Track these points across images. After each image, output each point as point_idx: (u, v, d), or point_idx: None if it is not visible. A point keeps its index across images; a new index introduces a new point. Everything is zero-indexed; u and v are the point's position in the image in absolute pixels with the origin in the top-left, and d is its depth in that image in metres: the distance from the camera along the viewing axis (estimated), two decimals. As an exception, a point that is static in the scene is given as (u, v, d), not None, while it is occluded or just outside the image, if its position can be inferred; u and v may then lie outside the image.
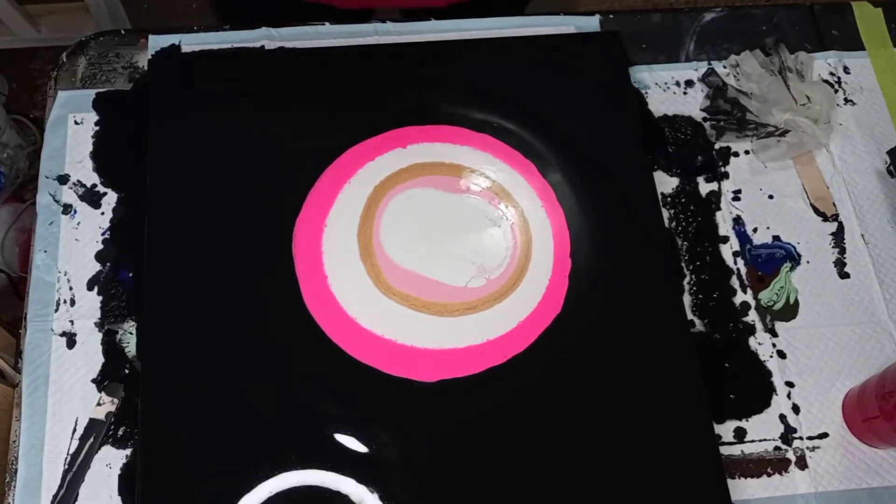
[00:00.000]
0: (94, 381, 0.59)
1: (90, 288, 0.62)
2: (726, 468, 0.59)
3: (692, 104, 0.72)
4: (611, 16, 0.75)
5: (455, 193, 0.65)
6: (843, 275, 0.67)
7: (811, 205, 0.70)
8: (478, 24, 0.73)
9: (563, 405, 0.59)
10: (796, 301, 0.66)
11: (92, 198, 0.65)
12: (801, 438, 0.61)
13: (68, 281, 0.62)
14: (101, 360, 0.60)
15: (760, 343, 0.64)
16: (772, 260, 0.67)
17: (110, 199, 0.65)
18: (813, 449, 0.61)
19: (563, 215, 0.65)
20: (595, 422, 0.59)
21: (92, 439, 0.57)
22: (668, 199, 0.69)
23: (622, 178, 0.67)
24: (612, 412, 0.59)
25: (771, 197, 0.70)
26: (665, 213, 0.68)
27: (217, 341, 0.59)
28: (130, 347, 0.60)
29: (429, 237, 0.64)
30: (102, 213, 0.65)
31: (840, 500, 0.60)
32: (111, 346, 0.60)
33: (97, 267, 0.63)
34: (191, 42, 0.70)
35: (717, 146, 0.71)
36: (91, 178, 0.66)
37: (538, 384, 0.60)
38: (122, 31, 0.72)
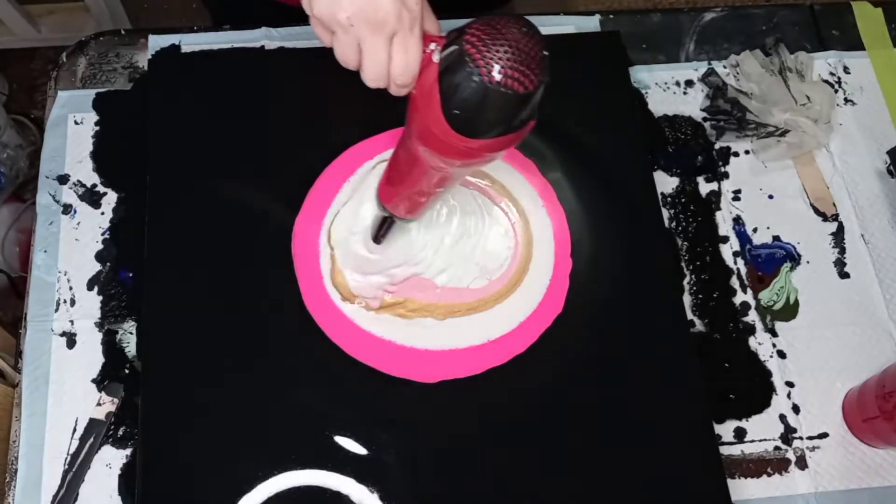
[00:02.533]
0: (94, 381, 0.59)
1: (90, 288, 0.62)
2: (726, 468, 0.59)
3: (692, 104, 0.72)
4: (611, 16, 0.75)
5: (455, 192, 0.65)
6: (843, 275, 0.67)
7: (811, 205, 0.70)
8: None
9: (564, 405, 0.59)
10: (796, 301, 0.66)
11: (92, 198, 0.65)
12: (801, 438, 0.61)
13: (68, 281, 0.62)
14: (101, 360, 0.60)
15: (760, 343, 0.64)
16: (772, 260, 0.67)
17: (110, 199, 0.65)
18: (813, 449, 0.61)
19: (564, 215, 0.65)
20: (595, 422, 0.59)
21: (92, 439, 0.57)
22: (668, 199, 0.69)
23: (622, 178, 0.67)
24: (612, 412, 0.59)
25: (771, 197, 0.70)
26: (665, 213, 0.68)
27: (217, 341, 0.59)
28: (130, 347, 0.60)
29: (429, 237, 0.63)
30: (102, 213, 0.65)
31: (840, 500, 0.60)
32: (111, 346, 0.60)
33: (97, 267, 0.63)
34: (191, 42, 0.70)
35: (717, 146, 0.71)
36: (91, 178, 0.66)
37: (539, 384, 0.60)
38: (122, 31, 0.72)
